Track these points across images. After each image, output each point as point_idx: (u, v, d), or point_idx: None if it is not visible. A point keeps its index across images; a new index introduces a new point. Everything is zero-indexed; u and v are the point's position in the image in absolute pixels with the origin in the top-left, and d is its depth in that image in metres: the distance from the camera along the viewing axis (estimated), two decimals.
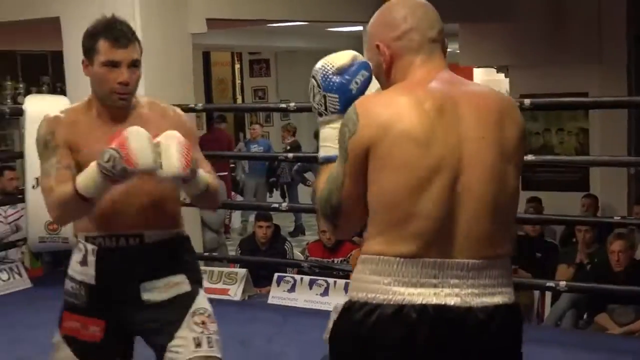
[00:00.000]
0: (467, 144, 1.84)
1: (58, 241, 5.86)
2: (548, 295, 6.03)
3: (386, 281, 1.85)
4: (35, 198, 5.79)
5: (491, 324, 1.88)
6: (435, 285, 1.84)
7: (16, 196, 6.60)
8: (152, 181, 2.40)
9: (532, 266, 6.39)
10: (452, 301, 1.84)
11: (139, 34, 6.59)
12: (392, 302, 1.84)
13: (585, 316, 5.52)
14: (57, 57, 7.33)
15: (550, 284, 4.96)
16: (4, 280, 5.77)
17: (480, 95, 1.98)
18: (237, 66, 16.76)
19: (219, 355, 2.51)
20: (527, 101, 4.81)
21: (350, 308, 1.91)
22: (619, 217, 6.23)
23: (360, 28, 11.44)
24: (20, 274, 5.91)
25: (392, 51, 2.01)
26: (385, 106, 1.88)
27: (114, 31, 2.57)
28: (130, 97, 2.61)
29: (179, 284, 2.55)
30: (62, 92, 7.41)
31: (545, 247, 6.79)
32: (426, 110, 1.83)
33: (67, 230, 5.83)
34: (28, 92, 11.44)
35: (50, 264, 6.79)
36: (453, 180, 1.82)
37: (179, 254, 2.62)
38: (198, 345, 2.47)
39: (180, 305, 2.53)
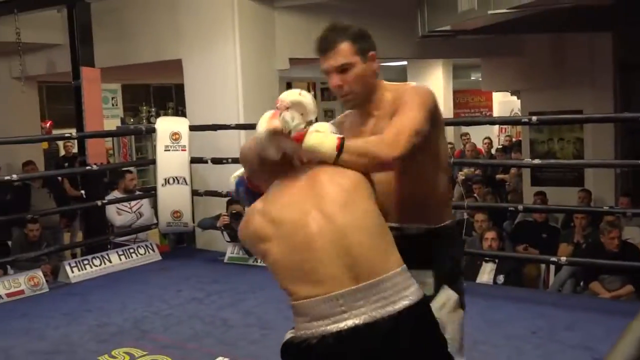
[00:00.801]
0: None
1: (180, 225, 5.99)
2: (552, 268, 5.91)
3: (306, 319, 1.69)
4: (163, 193, 5.94)
5: (400, 328, 1.64)
6: (343, 312, 1.63)
7: (135, 192, 6.68)
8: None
9: (539, 245, 6.27)
10: (360, 320, 1.62)
11: (238, 72, 6.75)
12: (315, 335, 1.65)
13: (581, 284, 5.40)
14: (180, 88, 7.47)
15: (554, 259, 4.86)
16: (141, 254, 5.92)
17: None
18: (312, 92, 16.82)
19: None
20: (534, 118, 4.77)
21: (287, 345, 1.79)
22: (608, 207, 6.11)
23: (404, 63, 11.42)
24: (153, 250, 6.05)
25: None
26: None
27: (319, 42, 1.99)
28: (352, 96, 1.99)
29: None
30: (183, 114, 7.56)
31: (549, 230, 6.66)
32: None
33: (187, 216, 5.97)
34: (158, 115, 11.75)
35: (174, 241, 6.93)
36: None
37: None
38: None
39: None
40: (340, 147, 1.77)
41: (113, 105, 13.61)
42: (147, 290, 5.04)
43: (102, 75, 6.31)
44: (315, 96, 16.70)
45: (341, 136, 1.81)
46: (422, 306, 1.72)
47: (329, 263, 1.66)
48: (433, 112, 1.92)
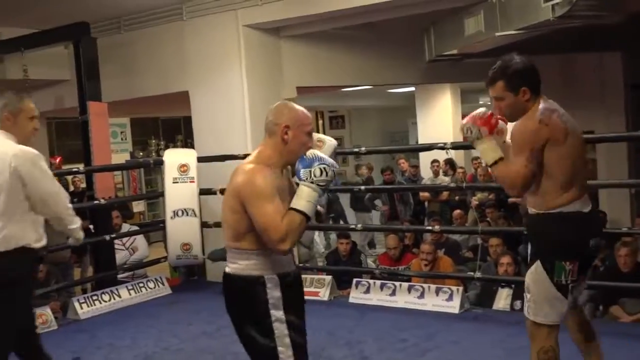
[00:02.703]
0: None
1: (190, 258, 5.93)
2: None
3: None
4: (173, 226, 5.89)
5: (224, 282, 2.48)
6: None
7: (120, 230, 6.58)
8: None
9: None
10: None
11: (245, 101, 6.78)
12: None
13: (600, 308, 5.28)
14: (188, 121, 7.48)
15: None
16: (151, 288, 5.86)
17: None
18: (320, 121, 16.88)
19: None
20: None
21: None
22: (625, 228, 5.99)
23: (412, 89, 11.43)
24: (163, 283, 5.99)
25: None
26: None
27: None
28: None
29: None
30: (192, 146, 7.54)
31: None
32: None
33: (197, 248, 5.92)
34: (167, 147, 11.76)
35: (185, 274, 6.87)
36: None
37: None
38: None
39: None
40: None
41: (122, 139, 13.67)
42: (158, 325, 4.97)
43: (110, 109, 6.32)
44: (323, 124, 16.78)
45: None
46: (229, 277, 2.46)
47: None
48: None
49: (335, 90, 10.66)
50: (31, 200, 3.10)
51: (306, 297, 4.90)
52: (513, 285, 5.29)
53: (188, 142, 12.11)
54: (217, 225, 6.13)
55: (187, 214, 5.86)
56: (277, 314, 2.35)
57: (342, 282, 5.76)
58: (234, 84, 6.29)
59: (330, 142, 2.62)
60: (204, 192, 6.03)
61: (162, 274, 6.23)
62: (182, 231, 5.86)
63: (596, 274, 5.68)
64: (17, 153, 3.10)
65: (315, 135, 2.57)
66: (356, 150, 6.24)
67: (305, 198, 2.31)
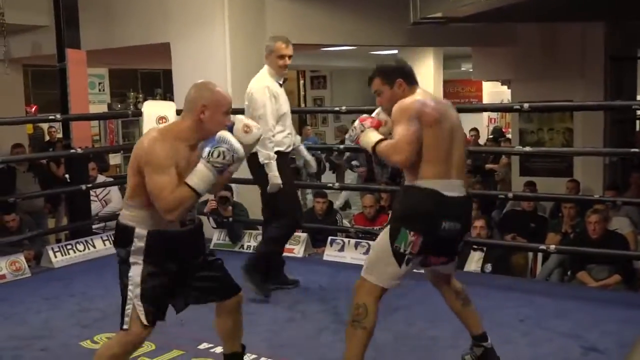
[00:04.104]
0: None
1: None
2: (539, 257, 5.91)
3: None
4: None
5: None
6: None
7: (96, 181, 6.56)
8: None
9: (527, 234, 6.27)
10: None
11: (228, 57, 6.69)
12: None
13: (569, 273, 5.40)
14: (168, 74, 7.39)
15: (543, 247, 4.87)
16: None
17: None
18: (302, 81, 16.80)
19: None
20: (525, 105, 4.72)
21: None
22: (597, 196, 6.08)
23: (395, 52, 11.36)
24: None
25: None
26: None
27: None
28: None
29: None
30: (171, 100, 7.47)
31: (538, 220, 6.67)
32: None
33: None
34: (145, 100, 11.61)
35: None
36: None
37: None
38: None
39: None
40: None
41: (100, 90, 13.48)
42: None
43: (88, 58, 6.19)
44: (304, 84, 16.69)
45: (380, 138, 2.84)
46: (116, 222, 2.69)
47: None
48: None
49: (318, 50, 10.58)
50: None
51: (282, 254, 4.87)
52: (485, 248, 5.39)
53: (167, 96, 11.97)
54: None
55: None
56: (136, 259, 2.58)
57: (317, 240, 5.80)
58: (216, 38, 6.20)
59: (257, 131, 2.71)
60: None
61: None
62: None
63: (566, 240, 5.80)
64: None
65: (244, 121, 2.71)
66: (337, 109, 6.24)
67: (198, 176, 2.48)
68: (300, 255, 5.34)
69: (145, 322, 2.60)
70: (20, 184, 6.92)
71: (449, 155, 2.79)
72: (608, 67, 8.90)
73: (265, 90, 4.25)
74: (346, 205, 10.74)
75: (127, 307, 2.61)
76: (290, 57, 4.37)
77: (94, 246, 5.54)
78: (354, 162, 10.13)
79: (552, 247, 4.80)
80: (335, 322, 3.84)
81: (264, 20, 6.50)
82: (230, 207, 5.70)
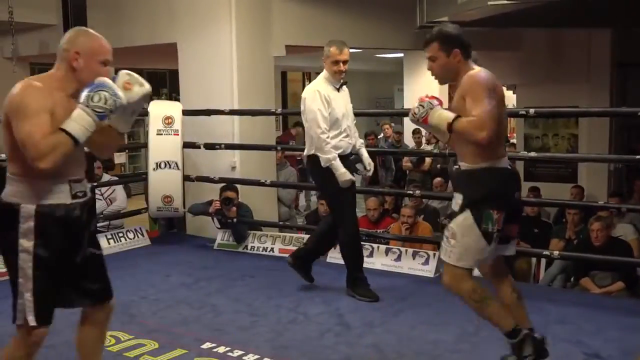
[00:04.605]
0: None
1: (170, 210, 5.94)
2: (542, 263, 5.90)
3: None
4: (155, 178, 5.89)
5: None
6: None
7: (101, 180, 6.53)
8: None
9: (531, 240, 6.25)
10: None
11: (234, 57, 6.71)
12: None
13: (572, 279, 5.39)
14: (174, 74, 7.41)
15: (547, 252, 4.86)
16: (130, 239, 5.87)
17: None
18: (307, 82, 16.77)
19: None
20: (531, 110, 4.71)
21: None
22: (601, 202, 6.07)
23: (401, 55, 11.36)
24: (142, 234, 6.01)
25: None
26: None
27: None
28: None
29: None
30: (177, 100, 7.50)
31: (541, 225, 6.65)
32: None
33: (178, 201, 5.92)
34: (151, 100, 11.61)
35: (165, 227, 6.88)
36: None
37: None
38: None
39: None
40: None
41: None
42: (136, 274, 5.00)
43: None
44: None
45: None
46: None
47: None
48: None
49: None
50: None
51: (283, 255, 4.93)
52: None
53: (173, 96, 11.98)
54: (200, 179, 6.14)
55: (170, 167, 5.85)
56: (26, 244, 2.31)
57: None
58: (223, 39, 6.22)
59: (142, 88, 2.45)
60: (187, 145, 6.01)
61: (140, 226, 6.23)
62: (164, 183, 5.86)
63: (570, 246, 5.79)
64: None
65: (126, 77, 2.43)
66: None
67: (75, 120, 2.26)
68: None
69: (34, 323, 2.33)
70: None
71: (503, 132, 2.91)
72: (614, 73, 8.89)
73: (316, 95, 4.23)
74: None
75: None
76: (345, 62, 4.31)
77: None
78: (357, 165, 10.12)
79: (556, 253, 4.79)
80: (337, 324, 3.85)
81: (271, 22, 6.51)
82: (234, 208, 5.71)
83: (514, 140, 11.29)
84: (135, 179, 6.83)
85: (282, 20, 6.62)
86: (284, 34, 6.61)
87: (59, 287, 2.41)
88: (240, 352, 3.41)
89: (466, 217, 2.81)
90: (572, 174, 8.97)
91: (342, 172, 4.23)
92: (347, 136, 4.37)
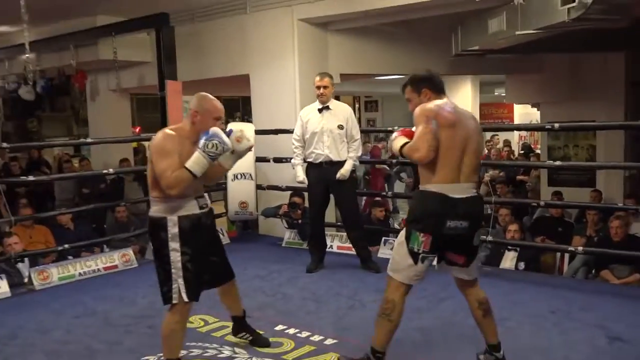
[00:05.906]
0: None
1: (246, 214, 6.03)
2: (566, 257, 5.74)
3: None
4: (233, 187, 5.99)
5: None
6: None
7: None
8: None
9: (555, 237, 6.10)
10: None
11: (297, 84, 6.78)
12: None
13: (593, 272, 5.23)
14: (245, 100, 7.52)
15: (571, 248, 4.73)
16: None
17: None
18: (357, 105, 16.80)
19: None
20: (556, 125, 4.63)
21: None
22: (619, 204, 5.88)
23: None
24: (223, 234, 6.08)
25: None
26: None
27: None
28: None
29: None
30: (249, 122, 7.62)
31: (564, 225, 6.47)
32: None
33: (252, 206, 6.00)
34: (227, 122, 11.80)
35: (241, 228, 6.98)
36: None
37: None
38: None
39: None
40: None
41: None
42: None
43: (183, 87, 6.40)
44: (359, 107, 16.68)
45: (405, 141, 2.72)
46: (148, 217, 2.78)
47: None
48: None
49: (371, 78, 10.57)
50: None
51: (341, 252, 4.94)
52: (518, 249, 5.27)
53: (245, 119, 12.18)
54: (270, 187, 6.22)
55: (245, 177, 5.95)
56: (174, 245, 2.70)
57: (373, 240, 5.78)
58: (287, 70, 6.30)
59: (248, 142, 2.85)
60: (259, 159, 6.10)
61: (221, 227, 6.33)
62: (240, 191, 5.96)
63: (590, 243, 5.62)
64: None
65: (238, 133, 2.82)
66: (389, 129, 6.20)
67: (194, 160, 2.63)
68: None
69: (187, 299, 2.74)
70: (128, 191, 7.16)
71: (460, 161, 2.61)
72: (628, 91, 8.59)
73: (299, 114, 4.86)
74: (394, 210, 10.68)
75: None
76: (324, 87, 4.61)
77: None
78: (402, 174, 10.07)
79: (580, 248, 4.66)
80: None
81: (327, 54, 6.57)
82: (299, 211, 5.76)
83: (538, 151, 11.04)
84: (216, 188, 6.94)
85: (337, 53, 6.66)
86: (338, 64, 6.65)
87: (202, 273, 2.78)
88: (307, 333, 3.44)
89: (402, 234, 2.70)
90: (590, 179, 8.69)
91: (297, 175, 4.82)
92: (318, 149, 4.67)
